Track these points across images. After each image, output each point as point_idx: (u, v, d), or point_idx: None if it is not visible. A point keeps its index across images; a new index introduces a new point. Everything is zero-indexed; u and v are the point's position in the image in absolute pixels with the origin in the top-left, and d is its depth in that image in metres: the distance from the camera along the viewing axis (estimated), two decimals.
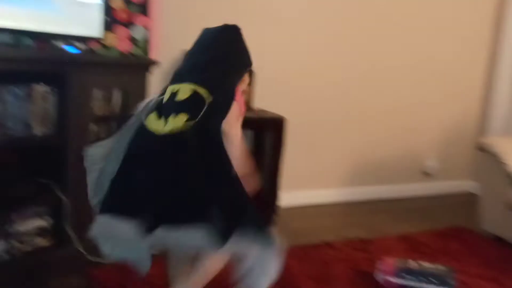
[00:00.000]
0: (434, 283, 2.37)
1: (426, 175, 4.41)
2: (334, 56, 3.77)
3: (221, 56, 1.91)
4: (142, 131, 1.71)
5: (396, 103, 4.11)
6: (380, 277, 2.45)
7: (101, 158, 1.79)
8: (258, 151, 3.45)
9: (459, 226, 3.50)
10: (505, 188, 3.12)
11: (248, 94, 3.24)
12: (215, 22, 3.28)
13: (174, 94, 1.75)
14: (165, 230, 1.50)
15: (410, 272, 2.41)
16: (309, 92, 3.72)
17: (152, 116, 1.73)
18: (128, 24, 2.84)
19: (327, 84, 3.79)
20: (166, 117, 1.68)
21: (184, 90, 1.74)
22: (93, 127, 2.52)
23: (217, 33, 2.03)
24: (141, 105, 1.88)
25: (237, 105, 1.84)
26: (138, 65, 2.70)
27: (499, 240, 3.23)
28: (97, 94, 2.53)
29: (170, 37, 3.19)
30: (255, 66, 3.26)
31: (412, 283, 2.39)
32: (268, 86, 3.51)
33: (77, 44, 2.57)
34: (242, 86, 1.93)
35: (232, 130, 1.80)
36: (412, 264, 2.47)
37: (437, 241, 3.18)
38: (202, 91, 1.71)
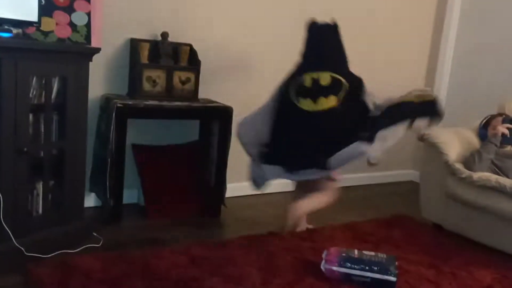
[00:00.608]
0: (377, 272, 2.42)
1: (371, 164, 4.49)
2: (280, 45, 3.76)
3: (337, 50, 2.62)
4: (295, 110, 2.48)
5: None
6: (325, 266, 2.47)
7: (251, 133, 2.60)
8: (204, 141, 3.41)
9: (401, 215, 3.60)
10: (444, 178, 3.22)
11: (194, 84, 3.19)
12: (162, 10, 3.23)
13: (316, 80, 2.47)
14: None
15: (354, 261, 2.44)
16: (255, 82, 3.70)
17: (302, 100, 2.48)
18: (68, 9, 2.72)
19: (274, 75, 3.77)
20: (315, 99, 2.44)
21: (325, 77, 2.46)
22: (29, 117, 2.40)
23: (328, 30, 2.67)
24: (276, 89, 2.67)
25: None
26: (77, 52, 2.59)
27: (438, 228, 3.34)
28: (34, 82, 2.41)
29: (115, 24, 3.09)
30: (200, 55, 3.24)
31: (355, 272, 2.43)
32: (214, 76, 3.47)
33: (12, 29, 2.44)
34: None
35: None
36: (356, 253, 2.51)
37: (381, 229, 3.26)
38: (338, 77, 2.45)
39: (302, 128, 2.48)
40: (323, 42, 2.66)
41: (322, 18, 3.84)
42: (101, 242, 2.66)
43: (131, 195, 3.30)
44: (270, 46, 3.72)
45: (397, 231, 3.25)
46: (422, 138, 3.34)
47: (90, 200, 3.21)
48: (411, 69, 4.52)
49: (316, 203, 2.73)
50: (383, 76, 4.26)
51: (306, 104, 2.47)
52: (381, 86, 3.87)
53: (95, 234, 2.72)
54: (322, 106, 2.41)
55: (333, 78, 2.47)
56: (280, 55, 3.77)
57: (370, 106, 2.51)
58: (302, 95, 2.50)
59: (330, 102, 2.42)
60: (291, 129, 2.53)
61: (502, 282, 2.61)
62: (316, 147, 2.44)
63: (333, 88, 2.47)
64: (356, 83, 2.54)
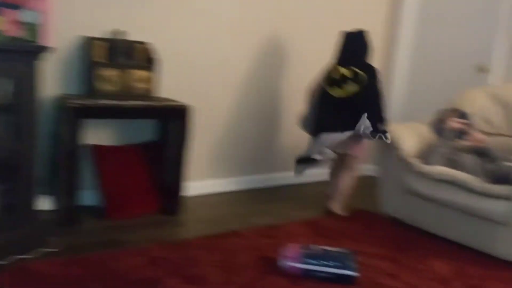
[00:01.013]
0: (337, 267, 2.44)
1: (329, 160, 4.53)
2: (238, 43, 3.76)
3: (361, 49, 3.43)
4: (328, 96, 3.36)
5: (296, 90, 4.18)
6: (285, 263, 2.48)
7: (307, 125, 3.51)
8: (162, 140, 3.37)
9: (361, 209, 3.65)
10: (401, 172, 3.28)
11: (151, 83, 3.14)
12: (117, 7, 3.17)
13: (343, 74, 3.33)
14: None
15: (313, 257, 2.46)
16: (212, 80, 3.69)
17: (331, 88, 3.35)
18: (18, 6, 2.63)
19: (233, 73, 3.77)
20: (341, 87, 3.31)
21: (349, 71, 3.32)
22: None
23: (358, 35, 3.44)
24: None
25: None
26: (27, 51, 2.50)
27: (397, 221, 3.40)
28: None
29: (69, 23, 3.02)
30: (157, 54, 3.19)
31: (315, 268, 2.45)
32: (171, 74, 3.43)
33: None
34: None
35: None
36: (315, 248, 2.53)
37: (341, 224, 3.29)
38: (359, 71, 3.30)
39: (335, 108, 3.33)
40: (350, 46, 3.42)
41: (279, 15, 3.90)
42: (58, 246, 2.59)
43: (88, 196, 3.23)
44: (228, 44, 3.71)
45: (356, 225, 3.29)
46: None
47: (47, 203, 3.13)
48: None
49: (349, 180, 3.57)
50: None
51: (334, 91, 3.33)
52: None
53: (51, 238, 2.65)
54: (345, 93, 3.29)
55: (355, 72, 3.30)
56: (238, 52, 3.77)
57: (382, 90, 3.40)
58: (332, 84, 3.36)
59: (352, 88, 3.28)
60: (329, 109, 3.36)
61: (458, 272, 2.68)
62: (345, 119, 3.29)
63: (354, 79, 3.29)
64: (371, 73, 3.34)
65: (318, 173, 4.43)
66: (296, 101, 4.15)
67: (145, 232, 2.96)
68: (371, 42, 3.48)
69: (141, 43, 3.18)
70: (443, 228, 3.11)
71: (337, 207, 3.56)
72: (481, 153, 3.20)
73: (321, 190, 4.25)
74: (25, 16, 2.65)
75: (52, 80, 3.02)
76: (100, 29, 3.13)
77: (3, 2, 2.56)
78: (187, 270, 2.45)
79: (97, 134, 3.24)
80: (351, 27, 4.32)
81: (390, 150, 3.34)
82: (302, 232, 3.09)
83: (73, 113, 2.80)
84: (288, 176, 4.23)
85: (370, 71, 3.38)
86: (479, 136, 3.28)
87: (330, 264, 2.45)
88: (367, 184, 4.45)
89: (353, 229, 3.23)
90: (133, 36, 3.17)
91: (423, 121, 3.63)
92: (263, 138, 4.06)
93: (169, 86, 3.40)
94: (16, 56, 2.43)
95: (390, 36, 4.66)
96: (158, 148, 3.37)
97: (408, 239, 3.12)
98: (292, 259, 2.47)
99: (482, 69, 3.99)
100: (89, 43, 3.02)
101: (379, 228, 3.28)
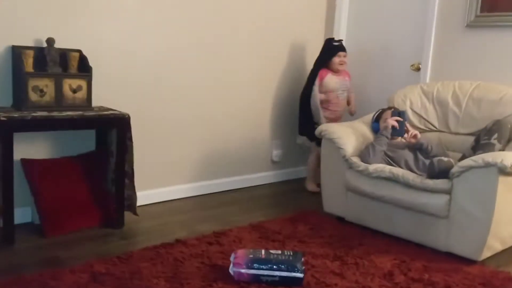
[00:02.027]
0: (284, 270, 2.44)
1: (274, 163, 4.57)
2: (176, 51, 3.71)
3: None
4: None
5: (241, 98, 4.18)
6: (233, 270, 2.46)
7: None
8: (102, 151, 3.27)
9: (305, 210, 3.68)
10: (342, 172, 3.34)
11: (86, 92, 3.04)
12: (46, 15, 3.04)
13: None
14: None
15: (261, 262, 2.45)
16: (151, 87, 3.62)
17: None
18: None
19: (169, 78, 3.71)
20: None
21: None
22: None
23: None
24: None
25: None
26: None
27: (341, 220, 3.46)
28: None
29: None
30: (91, 61, 3.09)
31: (263, 272, 2.43)
32: (107, 82, 3.33)
33: None
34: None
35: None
36: (263, 253, 2.52)
37: (287, 226, 3.31)
38: None
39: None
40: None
41: (218, 18, 3.89)
42: None
43: (24, 214, 3.08)
44: (167, 50, 3.65)
45: (302, 226, 3.32)
46: (320, 134, 3.44)
47: None
48: (307, 67, 4.65)
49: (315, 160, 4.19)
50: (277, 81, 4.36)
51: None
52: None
53: None
54: None
55: None
56: (174, 57, 3.71)
57: None
58: None
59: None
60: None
61: (401, 267, 2.75)
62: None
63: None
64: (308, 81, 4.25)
65: (263, 177, 4.46)
66: (235, 107, 4.15)
67: (87, 247, 2.85)
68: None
69: (73, 50, 3.06)
70: (386, 225, 3.19)
71: (312, 186, 4.29)
72: (416, 148, 3.30)
73: (267, 192, 4.28)
74: None
75: None
76: (29, 37, 3.00)
77: None
78: (132, 284, 2.38)
79: (31, 148, 3.10)
80: (288, 37, 4.48)
81: (331, 150, 3.39)
82: (249, 237, 3.08)
83: (3, 126, 2.66)
84: (232, 181, 4.22)
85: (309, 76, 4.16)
86: (414, 132, 3.39)
87: (277, 267, 2.44)
88: None
89: (299, 230, 3.25)
90: (64, 44, 3.06)
91: (362, 120, 3.72)
92: (206, 144, 4.01)
93: (104, 94, 3.30)
94: None
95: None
96: (97, 158, 3.26)
97: (352, 237, 3.17)
98: (239, 265, 2.45)
99: (415, 68, 4.13)
100: (17, 52, 2.88)
101: (324, 228, 3.32)
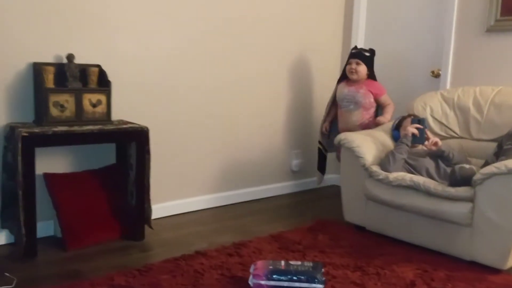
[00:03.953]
0: (304, 281, 2.43)
1: (294, 172, 4.55)
2: (192, 62, 3.73)
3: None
4: None
5: (259, 107, 4.18)
6: (252, 281, 2.45)
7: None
8: (122, 164, 3.30)
9: (325, 219, 3.66)
10: (362, 180, 3.31)
11: (106, 106, 3.08)
12: (65, 31, 3.10)
13: None
14: None
15: (281, 273, 2.44)
16: (168, 99, 3.64)
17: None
18: None
19: (186, 90, 3.74)
20: None
21: None
22: None
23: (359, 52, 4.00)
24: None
25: None
26: None
27: (361, 229, 3.42)
28: None
29: (15, 49, 2.94)
30: (110, 76, 3.14)
31: (283, 284, 2.42)
32: (127, 96, 3.37)
33: None
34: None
35: None
36: (283, 264, 2.51)
37: (307, 236, 3.28)
38: None
39: None
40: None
41: (233, 24, 3.90)
42: (14, 282, 2.48)
43: (46, 227, 3.13)
44: (183, 62, 3.68)
45: (321, 236, 3.29)
46: (339, 143, 3.42)
47: (2, 238, 3.01)
48: (325, 75, 4.64)
49: None
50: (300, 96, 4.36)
51: None
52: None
53: (7, 274, 2.54)
54: None
55: None
56: (193, 71, 3.74)
57: None
58: None
59: None
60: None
61: (423, 276, 2.70)
62: None
63: None
64: None
65: (283, 187, 4.45)
66: (253, 116, 4.16)
67: (107, 259, 2.87)
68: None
69: (93, 65, 3.11)
70: (408, 233, 3.14)
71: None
72: (438, 156, 3.26)
73: (287, 202, 4.26)
74: None
75: (0, 109, 2.93)
76: (49, 54, 3.06)
77: None
78: None
79: (53, 163, 3.15)
80: (306, 45, 4.46)
81: (350, 159, 3.36)
82: (269, 248, 3.07)
83: (25, 142, 2.71)
84: (251, 192, 4.22)
85: None
86: (435, 139, 3.35)
87: (297, 278, 2.43)
88: (330, 193, 4.49)
89: (319, 240, 3.22)
90: (83, 60, 3.11)
91: (382, 128, 3.69)
92: (223, 156, 4.02)
93: (123, 108, 3.34)
94: None
95: (345, 48, 4.73)
96: (117, 171, 3.29)
97: (373, 246, 3.14)
98: (259, 277, 2.44)
99: (435, 74, 4.08)
100: (38, 68, 2.93)
101: (344, 238, 3.29)
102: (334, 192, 4.42)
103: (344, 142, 3.38)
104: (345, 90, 3.92)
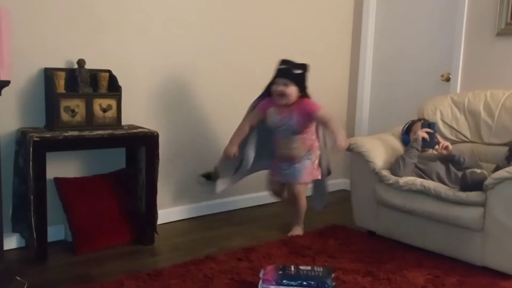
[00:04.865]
0: (314, 286, 2.41)
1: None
2: (203, 69, 3.74)
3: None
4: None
5: None
6: (262, 286, 2.44)
7: None
8: (132, 168, 3.31)
9: (335, 225, 3.64)
10: (372, 185, 3.29)
11: (116, 111, 3.09)
12: (76, 37, 3.12)
13: None
14: None
15: (291, 278, 2.43)
16: (178, 105, 3.65)
17: None
18: None
19: (196, 97, 3.75)
20: None
21: None
22: None
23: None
24: None
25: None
26: None
27: (372, 234, 3.41)
28: None
29: (26, 55, 2.96)
30: (121, 81, 3.15)
31: None
32: (136, 101, 3.39)
33: None
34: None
35: None
36: (292, 269, 2.50)
37: (317, 241, 3.27)
38: None
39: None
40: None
41: (244, 31, 3.91)
42: (25, 286, 2.50)
43: (57, 231, 3.14)
44: (193, 68, 3.69)
45: (332, 241, 3.28)
46: (349, 148, 3.40)
47: (13, 242, 3.03)
48: (334, 79, 4.63)
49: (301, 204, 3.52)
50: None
51: None
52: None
53: (18, 278, 2.55)
54: None
55: None
56: (201, 76, 3.75)
57: None
58: None
59: None
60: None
61: (434, 281, 2.68)
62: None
63: None
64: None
65: None
66: None
67: (118, 264, 2.88)
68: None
69: (103, 71, 3.13)
70: (418, 238, 3.12)
71: (298, 230, 3.49)
72: (448, 160, 3.24)
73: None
74: None
75: (12, 114, 2.95)
76: (60, 59, 3.08)
77: None
78: None
79: (63, 167, 3.17)
80: (315, 47, 4.40)
81: (360, 164, 3.35)
82: (279, 252, 3.06)
83: (36, 146, 2.73)
84: (260, 197, 4.21)
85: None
86: (445, 143, 3.33)
87: (307, 284, 2.41)
88: (340, 198, 4.47)
89: (329, 245, 3.21)
90: (94, 65, 3.13)
91: (392, 132, 3.67)
92: None
93: (133, 112, 3.35)
94: None
95: (354, 52, 4.73)
96: (127, 176, 3.31)
97: (384, 252, 3.12)
98: (269, 282, 2.43)
99: (445, 78, 4.06)
100: (49, 74, 2.96)
101: (354, 243, 3.27)
102: (343, 197, 4.41)
103: (354, 147, 3.36)
104: (276, 118, 3.25)
